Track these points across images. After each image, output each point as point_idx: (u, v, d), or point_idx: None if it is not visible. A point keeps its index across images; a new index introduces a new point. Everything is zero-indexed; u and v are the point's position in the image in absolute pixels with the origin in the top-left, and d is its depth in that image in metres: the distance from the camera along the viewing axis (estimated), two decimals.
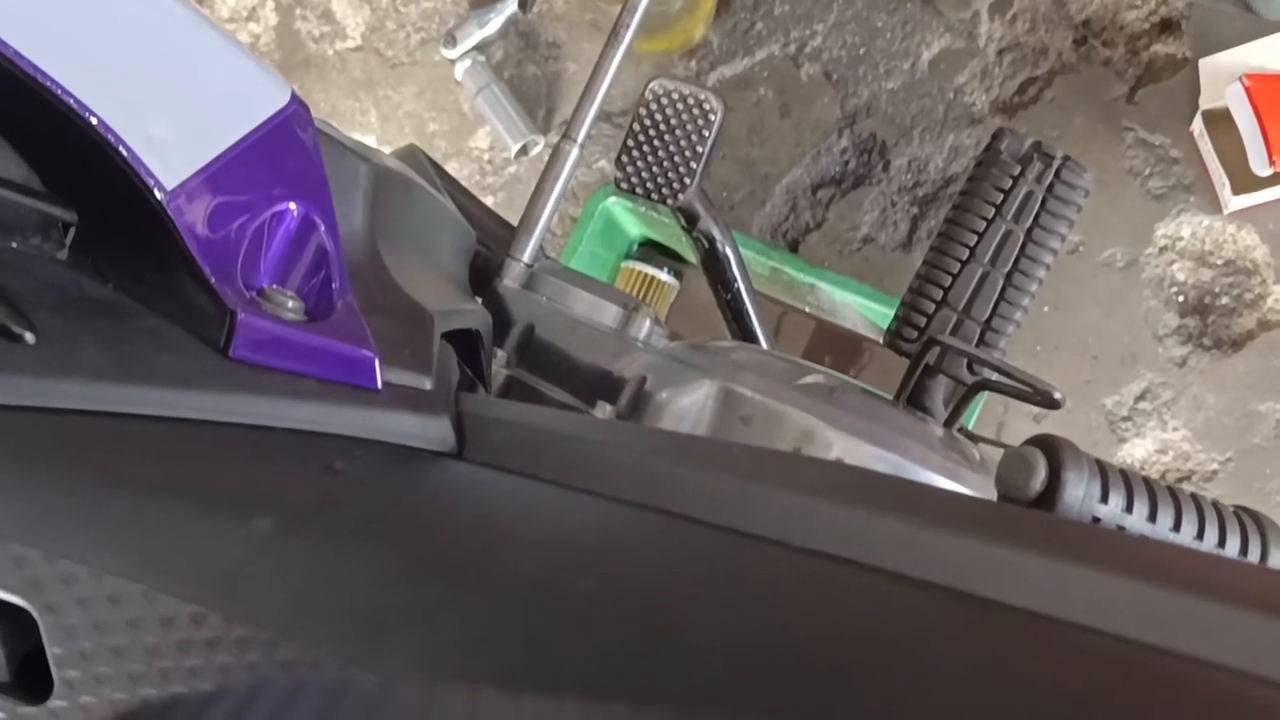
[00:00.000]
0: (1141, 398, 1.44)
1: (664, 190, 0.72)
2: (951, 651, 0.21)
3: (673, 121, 0.71)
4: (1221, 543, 0.36)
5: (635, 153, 0.72)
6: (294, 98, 0.33)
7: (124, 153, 0.28)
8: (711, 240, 0.80)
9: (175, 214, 0.29)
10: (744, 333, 0.89)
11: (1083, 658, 0.20)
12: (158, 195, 0.29)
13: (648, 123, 0.72)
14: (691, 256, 1.47)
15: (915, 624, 0.22)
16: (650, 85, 0.72)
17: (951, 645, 0.21)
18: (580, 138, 0.70)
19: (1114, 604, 0.21)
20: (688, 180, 0.71)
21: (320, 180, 0.33)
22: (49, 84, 0.27)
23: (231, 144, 0.31)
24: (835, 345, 1.48)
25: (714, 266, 0.83)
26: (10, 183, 0.30)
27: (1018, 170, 0.59)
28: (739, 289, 0.85)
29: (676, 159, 0.71)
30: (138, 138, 0.28)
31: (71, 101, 0.27)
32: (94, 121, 0.28)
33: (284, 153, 0.32)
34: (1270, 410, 1.40)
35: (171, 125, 0.30)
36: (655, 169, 0.71)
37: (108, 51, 0.28)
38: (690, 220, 0.77)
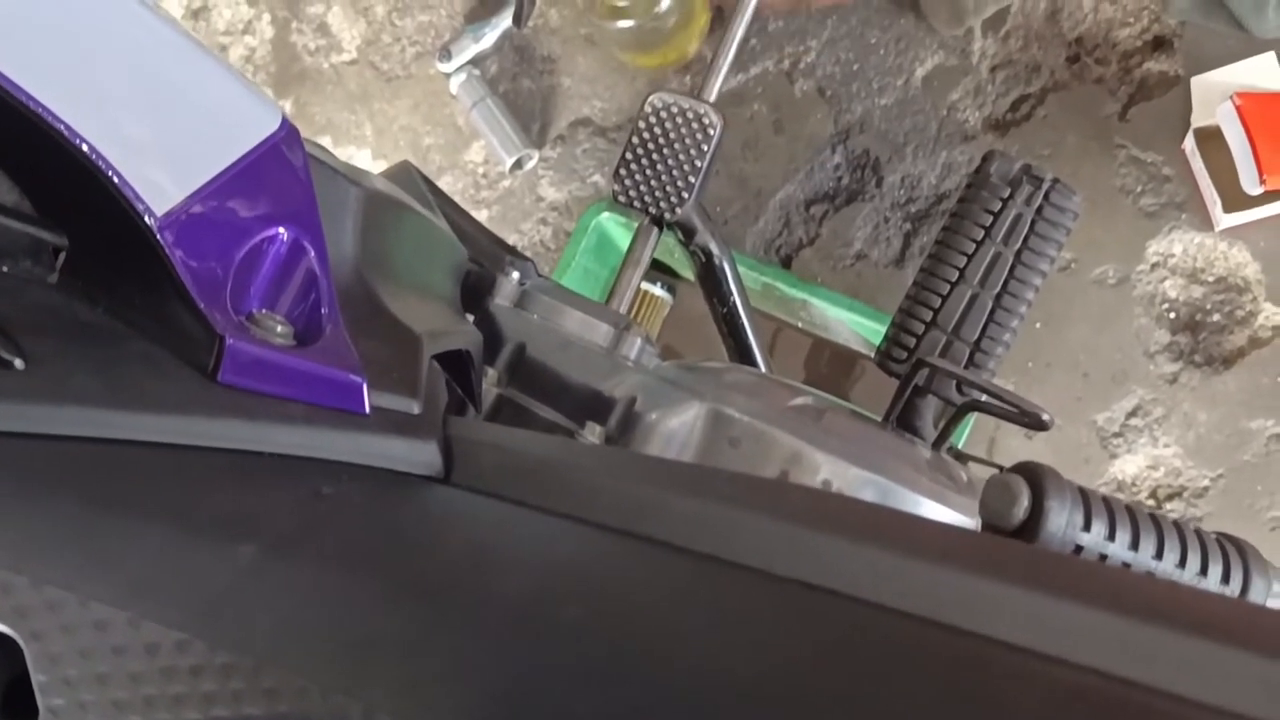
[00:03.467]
0: (1133, 414, 1.44)
1: (662, 204, 0.72)
2: (930, 683, 0.21)
3: (671, 135, 0.71)
4: (1203, 571, 0.37)
5: (633, 166, 0.72)
6: (284, 122, 0.33)
7: (114, 179, 0.28)
8: (709, 254, 0.80)
9: (165, 239, 0.29)
10: (740, 347, 0.89)
11: (1061, 692, 0.21)
12: (148, 221, 0.29)
13: (646, 136, 0.72)
14: (685, 271, 1.48)
15: (895, 656, 0.22)
16: (649, 99, 0.73)
17: (931, 677, 0.21)
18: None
19: (1093, 638, 0.22)
20: (686, 194, 0.72)
21: (310, 205, 0.33)
22: (39, 110, 0.27)
23: (222, 169, 0.31)
24: (828, 361, 1.48)
25: (710, 281, 0.84)
26: (1, 207, 0.30)
27: (1007, 192, 0.60)
28: (735, 303, 0.86)
29: (675, 172, 0.71)
30: (128, 164, 0.29)
31: (61, 128, 0.27)
32: (84, 148, 0.28)
33: (274, 178, 0.32)
34: (1261, 427, 1.40)
35: (162, 151, 0.30)
36: (653, 182, 0.72)
37: (98, 78, 0.29)
38: (688, 234, 0.77)
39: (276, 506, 0.28)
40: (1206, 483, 1.42)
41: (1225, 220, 1.39)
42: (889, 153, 1.52)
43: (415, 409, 0.34)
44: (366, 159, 1.69)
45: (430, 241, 0.51)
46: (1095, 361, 1.45)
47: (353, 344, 0.33)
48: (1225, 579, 0.37)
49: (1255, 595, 0.37)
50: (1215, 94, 1.39)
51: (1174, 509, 1.41)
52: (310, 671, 0.22)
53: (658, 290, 1.49)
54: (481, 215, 1.63)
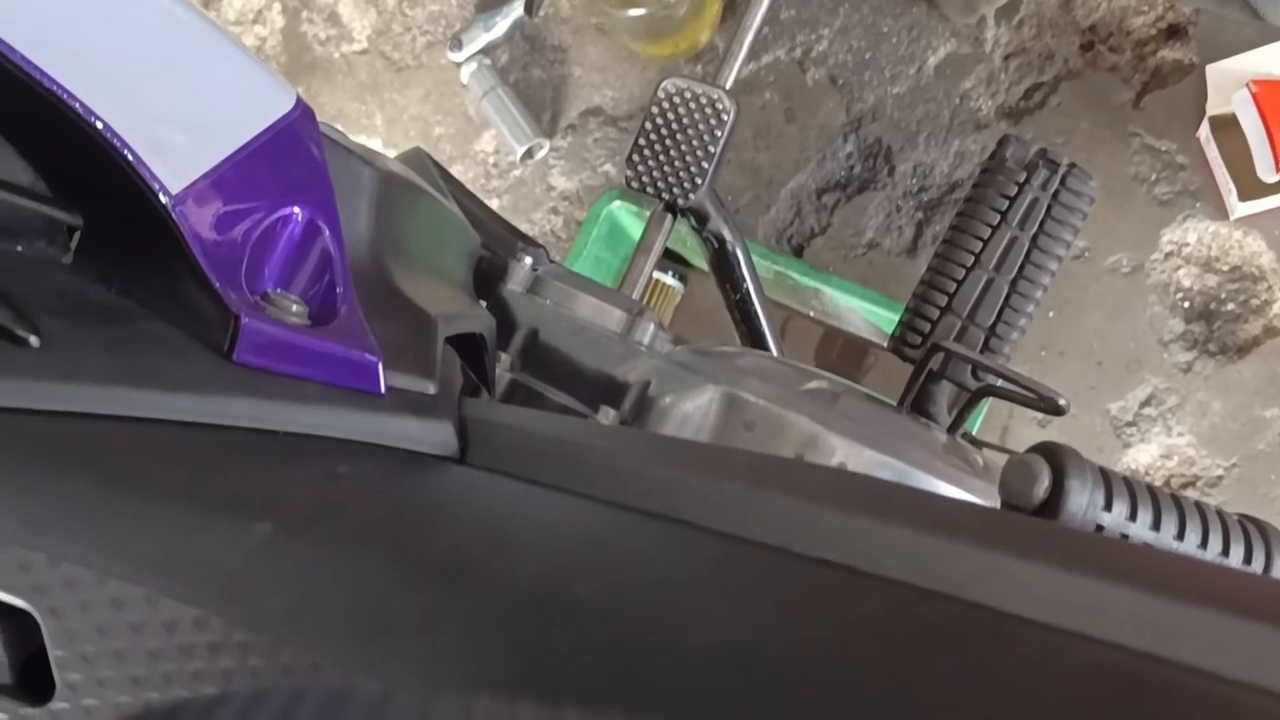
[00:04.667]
0: (1146, 403, 1.43)
1: (675, 190, 0.72)
2: (953, 660, 0.21)
3: (685, 121, 0.71)
4: (1225, 551, 0.36)
5: (647, 151, 0.72)
6: (299, 103, 0.33)
7: (129, 157, 0.28)
8: (721, 240, 0.80)
9: (180, 218, 0.29)
10: (752, 334, 0.89)
11: (1084, 667, 0.20)
12: (163, 199, 0.29)
13: (659, 121, 0.72)
14: (698, 260, 1.48)
15: (915, 633, 0.22)
16: (663, 84, 0.72)
17: (953, 654, 0.21)
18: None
19: (1116, 613, 0.21)
20: (699, 180, 0.72)
21: (325, 185, 0.33)
22: (55, 88, 0.27)
23: (237, 148, 0.31)
24: (840, 350, 1.48)
25: (724, 267, 0.84)
26: (16, 186, 0.30)
27: (1023, 177, 0.59)
28: (748, 290, 0.86)
29: (688, 158, 0.71)
30: (143, 142, 0.28)
31: (77, 106, 0.27)
32: (99, 126, 0.28)
33: (289, 157, 0.32)
34: (1275, 416, 1.39)
35: (177, 130, 0.30)
36: (667, 168, 0.72)
37: (113, 56, 0.28)
38: (700, 220, 0.77)
39: (292, 485, 0.27)
40: (1220, 472, 1.41)
41: (1240, 209, 1.38)
42: (901, 141, 1.51)
43: (430, 389, 0.34)
44: (377, 148, 1.69)
45: (444, 225, 0.51)
46: (1109, 350, 1.44)
47: (368, 324, 0.33)
48: (1247, 559, 0.36)
49: (1278, 575, 0.37)
50: (1230, 82, 1.38)
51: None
52: (327, 649, 0.22)
53: (669, 279, 1.49)
54: (492, 204, 1.62)
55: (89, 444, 0.25)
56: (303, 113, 0.33)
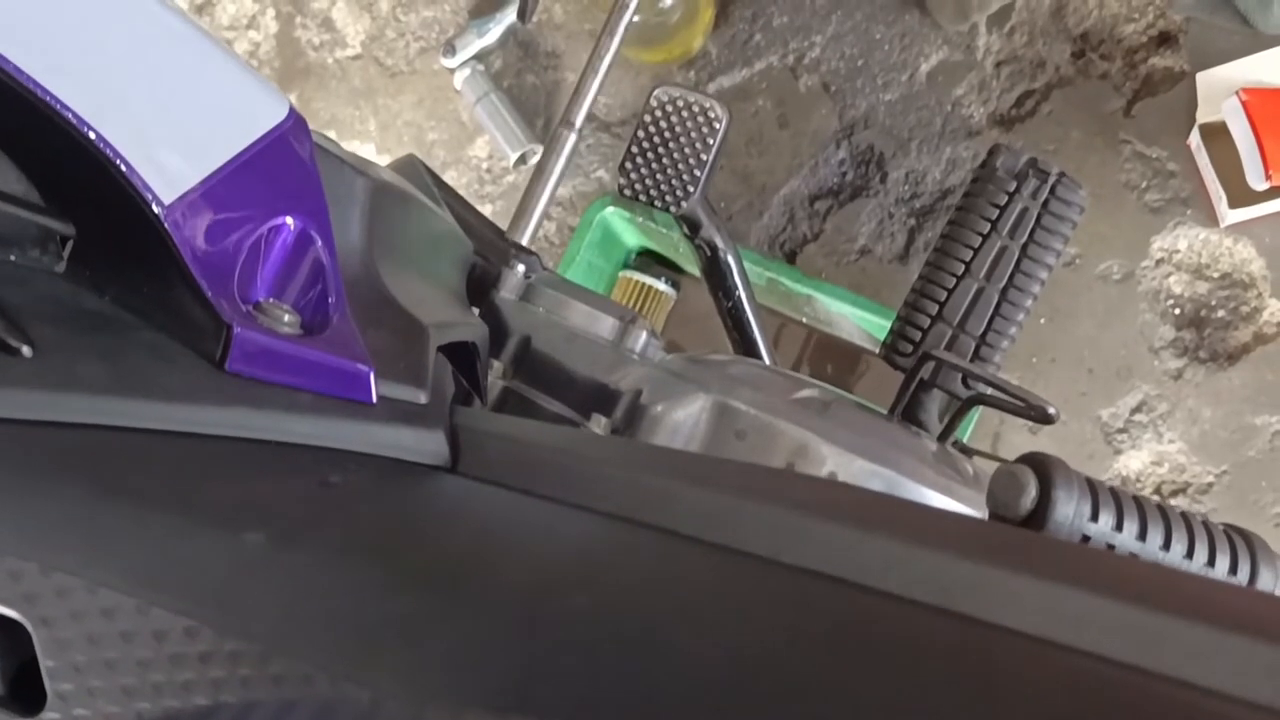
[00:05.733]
0: (1137, 410, 1.44)
1: (668, 197, 0.72)
2: (938, 672, 0.21)
3: (677, 129, 0.71)
4: (1211, 562, 0.37)
5: (639, 159, 0.72)
6: (292, 112, 0.33)
7: (122, 167, 0.28)
8: (714, 248, 0.80)
9: (173, 228, 0.29)
10: (745, 341, 0.89)
11: (1068, 679, 0.21)
12: (155, 209, 0.29)
13: (652, 130, 0.72)
14: (690, 266, 1.48)
15: (904, 644, 0.22)
16: (655, 92, 0.72)
17: (939, 666, 0.21)
18: (578, 124, 0.74)
19: (1101, 625, 0.21)
20: (691, 188, 0.72)
21: (317, 194, 0.33)
22: (48, 99, 0.27)
23: (229, 158, 0.31)
24: (832, 357, 1.48)
25: (716, 275, 0.84)
26: (9, 196, 0.30)
27: (1013, 186, 0.59)
28: (740, 297, 0.86)
29: (680, 166, 0.71)
30: (136, 152, 0.29)
31: (70, 116, 0.27)
32: (92, 136, 0.28)
33: (282, 167, 0.32)
34: (1266, 424, 1.40)
35: (169, 140, 0.30)
36: (659, 176, 0.72)
37: (106, 66, 0.29)
38: (693, 228, 0.77)
39: (284, 495, 0.28)
40: (1211, 479, 1.41)
41: (1230, 216, 1.39)
42: (893, 148, 1.52)
43: (422, 399, 0.34)
44: (370, 154, 1.69)
45: (436, 234, 0.51)
46: (1100, 357, 1.45)
47: (360, 334, 0.33)
48: (1233, 570, 0.37)
49: (1263, 586, 0.37)
50: (1221, 89, 1.39)
51: (1178, 505, 1.41)
52: (318, 658, 0.22)
53: (662, 285, 1.49)
54: (486, 210, 1.63)
55: (81, 453, 0.25)
56: (295, 123, 0.33)
